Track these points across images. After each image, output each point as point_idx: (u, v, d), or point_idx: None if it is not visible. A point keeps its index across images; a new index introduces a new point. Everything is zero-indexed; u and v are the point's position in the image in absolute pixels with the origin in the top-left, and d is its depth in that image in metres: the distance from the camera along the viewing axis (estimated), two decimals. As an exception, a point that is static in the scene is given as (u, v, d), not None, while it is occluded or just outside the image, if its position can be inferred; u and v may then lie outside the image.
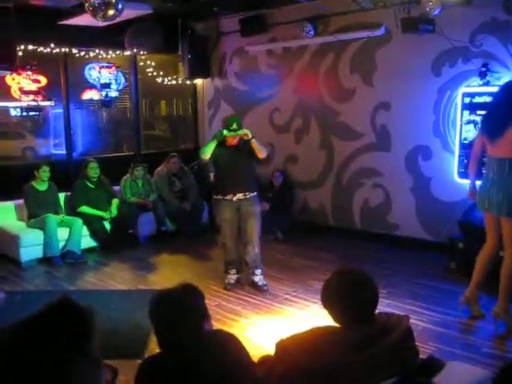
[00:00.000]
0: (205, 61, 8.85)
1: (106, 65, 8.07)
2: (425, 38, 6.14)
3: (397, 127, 6.84)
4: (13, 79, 7.18)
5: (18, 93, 7.24)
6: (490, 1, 5.79)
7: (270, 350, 2.50)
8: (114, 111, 9.01)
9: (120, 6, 5.01)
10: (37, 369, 0.94)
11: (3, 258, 6.70)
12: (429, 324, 4.57)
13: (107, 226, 7.22)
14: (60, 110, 8.02)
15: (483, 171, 4.57)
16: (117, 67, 8.19)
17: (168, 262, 6.71)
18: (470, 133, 5.98)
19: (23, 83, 7.22)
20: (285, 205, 7.77)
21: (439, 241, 6.37)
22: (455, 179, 6.20)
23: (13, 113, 7.50)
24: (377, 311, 2.22)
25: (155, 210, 7.60)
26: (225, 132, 5.33)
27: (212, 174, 8.71)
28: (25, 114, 7.36)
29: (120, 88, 8.34)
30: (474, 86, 6.03)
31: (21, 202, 7.01)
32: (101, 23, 5.76)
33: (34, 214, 6.80)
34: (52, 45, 7.52)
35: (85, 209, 7.10)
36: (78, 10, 6.37)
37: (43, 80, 7.43)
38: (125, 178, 7.73)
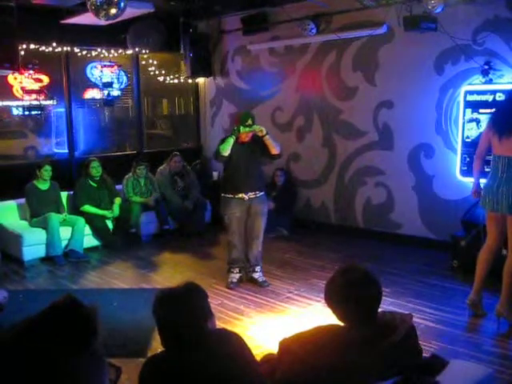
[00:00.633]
0: (207, 59, 8.85)
1: (108, 64, 8.08)
2: (427, 36, 6.13)
3: (399, 125, 6.83)
4: (15, 78, 7.19)
5: (20, 92, 7.26)
6: (492, -2, 5.79)
7: (273, 349, 2.50)
8: (116, 110, 9.01)
9: (122, 5, 5.02)
10: (41, 368, 0.94)
11: (6, 257, 6.70)
12: (432, 322, 4.56)
13: (110, 224, 7.23)
14: (62, 109, 8.03)
15: (487, 170, 4.54)
16: (119, 66, 8.20)
17: (170, 261, 6.72)
18: (473, 131, 5.97)
19: (25, 82, 7.24)
20: (287, 203, 7.77)
21: (442, 239, 6.36)
22: (458, 177, 6.19)
23: (15, 112, 7.51)
24: (380, 310, 2.22)
25: (157, 209, 7.61)
26: (241, 128, 5.22)
27: (216, 173, 8.77)
28: (27, 113, 7.37)
29: (122, 87, 8.34)
30: (476, 83, 6.01)
31: (23, 201, 7.01)
32: (103, 22, 5.77)
33: (37, 213, 6.81)
34: (54, 44, 7.52)
35: (87, 208, 7.11)
36: (81, 9, 6.38)
37: (45, 79, 7.45)
38: (127, 176, 7.73)
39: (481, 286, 4.58)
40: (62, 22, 7.26)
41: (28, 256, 6.53)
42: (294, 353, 2.13)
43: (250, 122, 5.25)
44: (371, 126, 7.10)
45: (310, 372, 2.06)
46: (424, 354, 2.34)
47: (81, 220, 6.91)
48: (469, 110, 6.02)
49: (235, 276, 5.61)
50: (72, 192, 7.33)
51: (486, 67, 5.86)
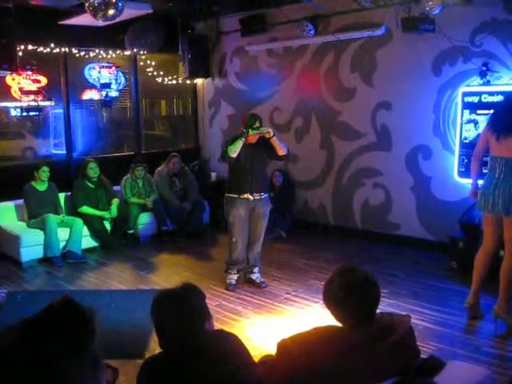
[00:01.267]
0: (205, 60, 8.85)
1: (106, 65, 8.07)
2: (425, 37, 6.14)
3: (397, 127, 6.84)
4: (13, 79, 7.18)
5: (18, 93, 7.24)
6: (490, 0, 5.79)
7: (271, 350, 2.50)
8: (114, 111, 9.01)
9: (120, 6, 5.02)
10: (38, 369, 0.94)
11: (4, 258, 6.70)
12: (430, 323, 4.57)
13: (108, 225, 7.22)
14: (60, 110, 8.02)
15: (485, 171, 4.54)
16: (117, 67, 8.19)
17: (168, 262, 6.71)
18: (471, 132, 5.98)
19: (23, 83, 7.22)
20: (286, 204, 7.77)
21: (440, 240, 6.37)
22: (455, 179, 6.20)
23: (13, 113, 7.50)
24: (378, 311, 2.22)
25: (156, 210, 7.60)
26: (250, 131, 5.22)
27: (214, 174, 8.77)
28: (25, 114, 7.36)
29: (120, 88, 8.34)
30: (474, 85, 6.03)
31: (21, 202, 7.00)
32: (101, 23, 5.76)
33: (35, 214, 6.80)
34: (52, 45, 7.51)
35: (85, 209, 7.10)
36: (79, 9, 6.37)
37: (43, 80, 7.44)
38: (125, 177, 7.73)
39: (478, 288, 4.58)
40: (60, 22, 7.25)
41: (26, 257, 6.52)
42: (292, 354, 2.13)
43: (257, 124, 5.29)
44: (369, 128, 7.11)
45: (308, 373, 2.06)
46: (422, 355, 2.34)
47: (79, 221, 6.90)
48: (467, 112, 6.03)
49: (233, 277, 5.59)
50: (70, 193, 7.33)
51: (484, 69, 5.87)
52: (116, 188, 7.59)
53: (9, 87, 7.21)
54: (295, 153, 8.01)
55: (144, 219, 7.54)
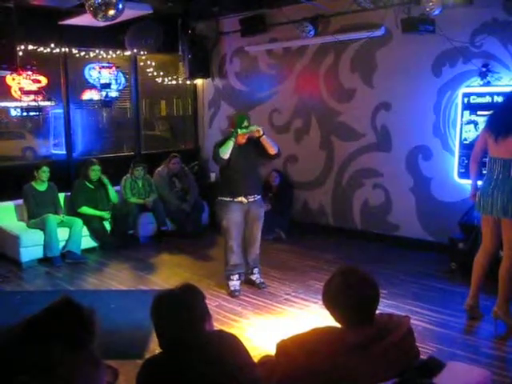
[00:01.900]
0: (205, 61, 8.86)
1: (106, 65, 8.07)
2: (425, 38, 6.14)
3: (397, 127, 6.84)
4: (13, 79, 7.18)
5: (19, 93, 7.24)
6: (490, 1, 5.79)
7: (271, 351, 2.50)
8: (114, 111, 9.01)
9: (120, 6, 5.02)
10: (38, 369, 0.94)
11: (3, 258, 6.70)
12: (429, 324, 4.57)
13: (107, 226, 7.22)
14: (60, 110, 8.02)
15: (484, 172, 4.54)
16: (117, 67, 8.19)
17: (168, 262, 6.71)
18: (471, 133, 5.98)
19: (23, 83, 7.22)
20: (284, 205, 7.77)
21: (439, 241, 6.36)
22: (455, 179, 6.20)
23: (13, 113, 7.50)
24: (377, 312, 2.22)
25: (155, 211, 7.60)
26: (239, 130, 5.16)
27: (213, 175, 8.76)
28: (25, 114, 7.35)
29: (120, 88, 8.33)
30: (474, 86, 6.03)
31: (21, 202, 7.01)
32: (101, 23, 5.76)
33: (34, 214, 6.80)
34: (52, 45, 7.52)
35: (85, 209, 7.10)
36: (79, 10, 6.37)
37: (43, 80, 7.43)
38: (125, 178, 7.73)
39: (478, 290, 4.58)
40: (61, 22, 7.25)
41: (25, 257, 6.52)
42: (291, 354, 2.13)
43: (246, 123, 5.23)
44: (369, 128, 7.11)
45: (308, 374, 2.06)
46: (421, 356, 2.34)
47: (78, 221, 6.90)
48: (467, 112, 6.03)
49: (236, 283, 5.46)
50: (69, 193, 7.32)
51: (484, 69, 5.87)
52: (116, 188, 7.57)
53: (9, 87, 7.21)
54: (295, 153, 8.02)
55: (143, 219, 7.54)
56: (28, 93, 7.24)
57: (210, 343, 2.13)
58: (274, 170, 7.87)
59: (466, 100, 6.03)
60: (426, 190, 6.63)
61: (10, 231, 6.72)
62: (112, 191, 7.33)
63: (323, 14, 7.13)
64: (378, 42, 6.82)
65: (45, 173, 6.91)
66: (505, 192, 4.18)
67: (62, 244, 6.74)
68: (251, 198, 5.37)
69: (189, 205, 7.78)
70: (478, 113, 5.89)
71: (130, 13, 6.21)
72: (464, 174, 5.95)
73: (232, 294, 5.40)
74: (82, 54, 7.95)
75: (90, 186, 7.24)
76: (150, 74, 8.78)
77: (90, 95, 8.15)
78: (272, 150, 5.32)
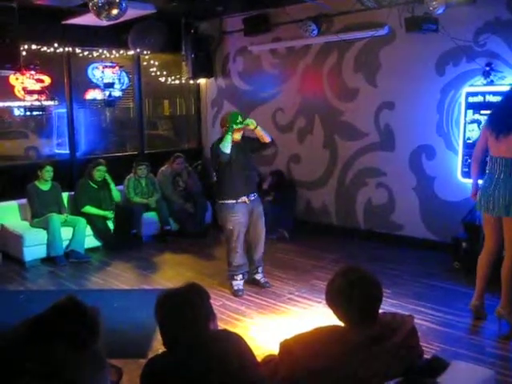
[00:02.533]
0: (208, 60, 8.85)
1: (110, 64, 8.07)
2: (428, 37, 6.13)
3: (400, 127, 6.83)
4: (16, 79, 7.19)
5: (22, 92, 7.25)
6: (493, 0, 5.78)
7: (274, 350, 2.49)
8: (118, 111, 9.02)
9: (124, 6, 5.03)
10: (42, 369, 0.94)
11: (7, 257, 6.71)
12: (433, 324, 4.56)
13: (111, 225, 7.23)
14: (63, 110, 8.03)
15: (486, 171, 4.52)
16: (120, 67, 8.19)
17: (171, 262, 6.72)
18: (474, 132, 5.96)
19: (27, 83, 7.23)
20: (288, 205, 7.76)
21: (443, 240, 6.35)
22: (459, 179, 6.19)
23: (16, 112, 7.50)
24: (381, 311, 2.22)
25: (159, 210, 7.61)
26: (234, 126, 5.20)
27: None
28: (28, 113, 7.36)
29: (123, 88, 8.34)
30: (477, 85, 6.01)
31: (24, 201, 7.02)
32: (104, 23, 5.77)
33: (38, 213, 6.81)
34: (55, 44, 7.53)
35: (88, 209, 7.11)
36: (82, 9, 6.38)
37: (47, 80, 7.44)
38: (128, 177, 7.73)
39: (482, 289, 4.56)
40: (64, 22, 7.27)
41: (29, 256, 6.53)
42: (294, 354, 2.13)
43: (240, 119, 5.30)
44: (372, 128, 7.10)
45: (311, 373, 2.05)
46: (425, 356, 2.34)
47: (82, 221, 6.91)
48: (470, 112, 6.02)
49: (240, 283, 5.47)
50: (73, 193, 7.33)
51: (488, 69, 5.86)
52: (119, 187, 7.58)
53: (12, 87, 7.22)
54: (298, 153, 8.01)
55: (147, 219, 7.54)
56: (31, 92, 7.25)
57: (214, 342, 2.14)
58: (270, 173, 7.87)
59: (469, 99, 6.01)
60: (430, 190, 6.62)
61: (14, 230, 6.74)
62: (115, 190, 7.35)
63: (327, 13, 7.12)
64: (382, 42, 6.81)
65: (48, 172, 6.92)
66: (506, 191, 4.18)
67: (65, 243, 6.75)
68: (252, 197, 5.41)
69: (192, 205, 7.79)
70: (482, 112, 5.87)
71: (133, 12, 6.22)
72: (467, 174, 5.92)
73: (235, 293, 5.41)
74: (86, 53, 7.96)
75: (94, 185, 7.25)
76: (153, 74, 8.78)
77: (93, 95, 8.16)
78: (266, 139, 5.40)
